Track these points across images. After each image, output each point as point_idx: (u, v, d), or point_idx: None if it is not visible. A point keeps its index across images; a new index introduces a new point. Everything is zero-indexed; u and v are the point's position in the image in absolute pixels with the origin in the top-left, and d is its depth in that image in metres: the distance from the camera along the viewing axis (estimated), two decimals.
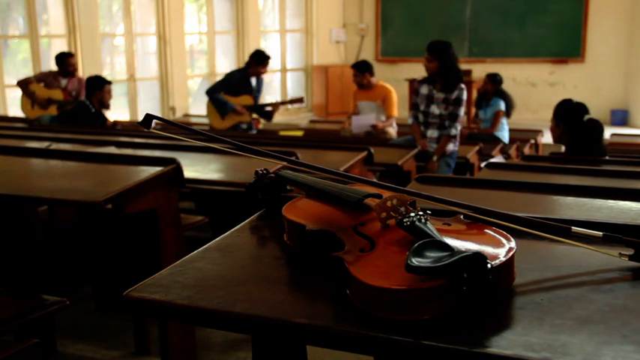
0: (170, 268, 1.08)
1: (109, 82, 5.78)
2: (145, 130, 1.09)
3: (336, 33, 11.35)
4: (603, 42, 9.48)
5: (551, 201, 1.83)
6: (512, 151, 6.19)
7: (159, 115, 9.75)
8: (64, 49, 8.43)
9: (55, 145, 3.68)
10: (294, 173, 1.28)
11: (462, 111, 4.85)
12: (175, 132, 1.17)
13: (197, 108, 10.38)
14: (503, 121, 6.72)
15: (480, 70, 9.43)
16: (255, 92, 6.72)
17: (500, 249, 0.93)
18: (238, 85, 6.64)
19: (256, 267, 1.11)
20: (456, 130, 4.78)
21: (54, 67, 7.05)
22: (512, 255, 0.92)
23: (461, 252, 0.86)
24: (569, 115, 3.65)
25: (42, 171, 2.69)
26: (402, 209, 1.01)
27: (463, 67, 9.40)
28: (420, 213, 0.97)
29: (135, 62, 9.58)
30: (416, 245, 0.89)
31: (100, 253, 2.85)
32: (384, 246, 0.98)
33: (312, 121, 9.00)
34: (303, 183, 1.22)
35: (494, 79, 6.80)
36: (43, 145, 3.73)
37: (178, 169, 2.43)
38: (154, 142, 3.77)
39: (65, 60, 6.87)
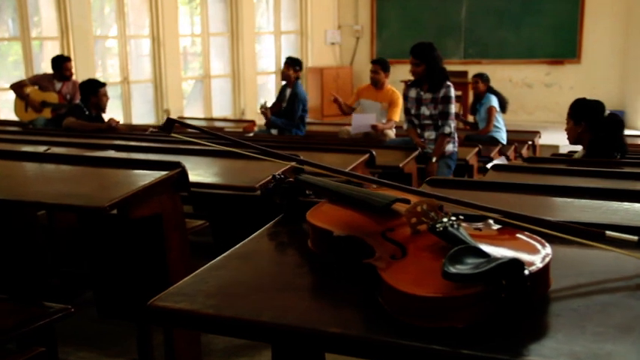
0: (192, 277, 1.06)
1: (103, 85, 5.67)
2: (166, 134, 1.06)
3: (331, 34, 11.33)
4: (599, 43, 9.50)
5: (564, 203, 1.81)
6: (510, 153, 6.16)
7: (153, 118, 9.74)
8: (57, 51, 8.36)
9: (52, 149, 3.63)
10: (314, 177, 1.25)
11: (453, 108, 4.82)
12: (197, 136, 1.14)
13: (191, 110, 10.31)
14: (501, 120, 6.67)
15: (475, 72, 9.40)
16: (284, 100, 6.92)
17: (536, 255, 0.91)
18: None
19: (280, 274, 1.09)
20: (450, 127, 4.76)
21: (44, 70, 6.98)
22: (549, 261, 0.90)
23: (498, 258, 0.84)
24: (591, 112, 3.62)
25: (43, 176, 2.65)
26: (433, 214, 0.98)
27: (459, 68, 9.43)
28: (453, 218, 0.95)
29: (128, 64, 9.53)
30: (452, 252, 0.87)
31: (102, 259, 2.81)
32: (415, 252, 0.95)
33: (307, 123, 8.95)
34: (326, 188, 1.19)
35: (483, 77, 6.77)
36: (38, 149, 3.69)
37: (183, 173, 2.40)
38: (152, 146, 3.74)
39: (62, 64, 6.80)
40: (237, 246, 1.20)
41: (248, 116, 9.91)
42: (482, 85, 6.74)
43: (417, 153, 4.39)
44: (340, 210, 1.13)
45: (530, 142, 6.93)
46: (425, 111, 4.82)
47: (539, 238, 0.96)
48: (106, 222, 2.57)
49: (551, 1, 9.73)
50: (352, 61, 11.30)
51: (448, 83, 4.79)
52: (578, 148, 4.10)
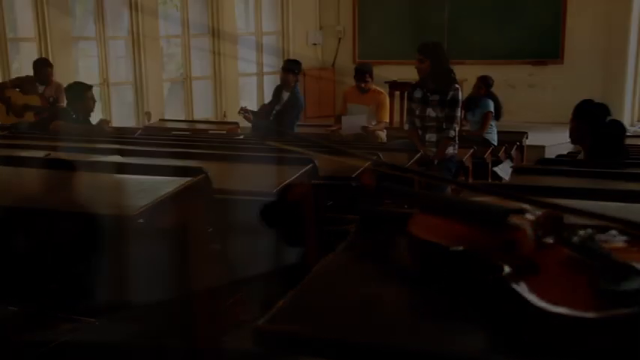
0: (292, 296, 0.98)
1: (90, 87, 5.59)
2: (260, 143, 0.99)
3: (313, 35, 11.25)
4: (582, 43, 9.56)
5: (622, 209, 1.77)
6: (501, 154, 6.16)
7: (133, 120, 9.54)
8: (33, 52, 8.15)
9: (51, 154, 3.49)
10: (399, 186, 1.18)
11: (459, 112, 4.81)
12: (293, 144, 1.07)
13: (169, 113, 10.11)
14: (493, 123, 6.71)
15: (459, 72, 9.30)
16: (278, 103, 6.51)
17: None
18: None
19: (387, 293, 1.01)
20: (454, 131, 4.74)
21: (19, 72, 6.78)
22: None
23: None
24: (593, 115, 3.64)
25: (57, 183, 2.52)
26: (559, 226, 0.92)
27: None
28: (589, 231, 0.89)
29: (108, 66, 9.33)
30: (603, 267, 0.81)
31: (114, 268, 2.70)
32: (546, 267, 0.89)
33: None
34: (422, 197, 1.12)
35: (487, 82, 6.78)
36: (17, 153, 3.55)
37: (207, 179, 2.30)
38: (156, 150, 3.63)
39: (44, 69, 6.65)
40: (322, 261, 1.12)
41: (230, 118, 9.75)
42: (485, 89, 6.77)
43: (419, 155, 4.34)
44: (444, 222, 1.05)
45: (518, 143, 6.96)
46: (431, 113, 4.76)
47: None
48: (125, 230, 2.46)
49: (533, 2, 9.78)
50: (334, 62, 11.23)
51: (457, 86, 4.77)
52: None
